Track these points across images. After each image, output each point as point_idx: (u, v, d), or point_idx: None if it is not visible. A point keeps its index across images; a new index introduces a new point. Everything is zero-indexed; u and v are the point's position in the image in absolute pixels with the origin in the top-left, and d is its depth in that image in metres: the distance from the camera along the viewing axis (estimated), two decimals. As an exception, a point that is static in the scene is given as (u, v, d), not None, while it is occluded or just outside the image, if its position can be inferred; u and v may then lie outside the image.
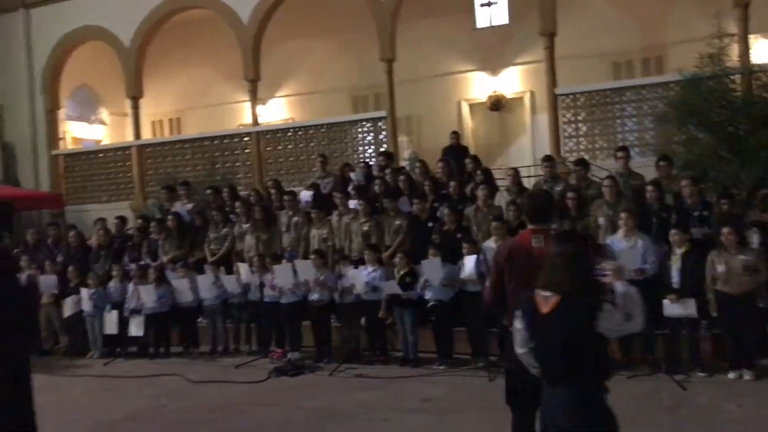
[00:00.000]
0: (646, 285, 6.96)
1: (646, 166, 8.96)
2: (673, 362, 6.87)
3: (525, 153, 13.99)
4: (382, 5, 12.26)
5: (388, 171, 10.02)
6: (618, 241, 7.19)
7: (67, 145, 15.76)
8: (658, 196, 7.60)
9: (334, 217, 9.22)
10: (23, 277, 9.48)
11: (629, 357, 7.16)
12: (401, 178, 9.55)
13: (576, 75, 12.55)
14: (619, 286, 3.17)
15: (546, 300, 3.19)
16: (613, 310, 3.07)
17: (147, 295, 8.97)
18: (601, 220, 7.82)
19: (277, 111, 16.53)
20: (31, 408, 5.45)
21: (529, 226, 4.11)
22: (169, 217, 10.05)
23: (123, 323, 9.14)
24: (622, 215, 7.19)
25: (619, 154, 8.50)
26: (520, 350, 3.39)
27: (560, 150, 11.05)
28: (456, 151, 11.39)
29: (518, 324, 3.36)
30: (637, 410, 5.80)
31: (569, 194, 8.09)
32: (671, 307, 6.79)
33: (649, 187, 7.66)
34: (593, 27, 13.48)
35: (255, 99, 13.52)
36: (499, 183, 9.62)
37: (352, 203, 9.22)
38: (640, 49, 13.47)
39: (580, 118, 11.05)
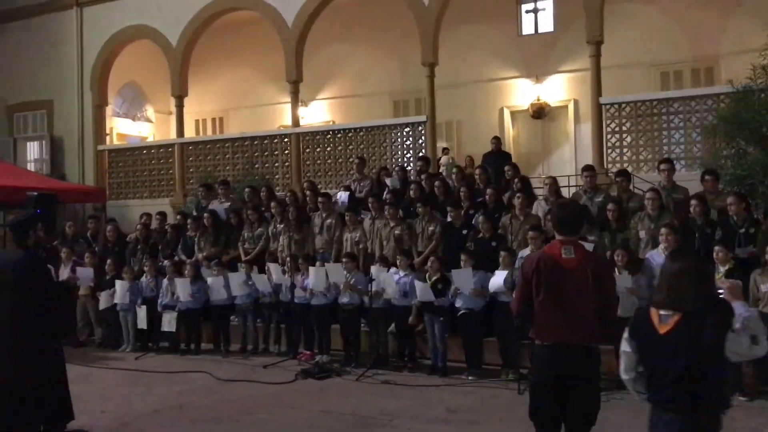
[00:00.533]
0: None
1: (691, 180, 8.68)
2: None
3: (567, 162, 13.77)
4: (426, 9, 12.20)
5: (424, 176, 9.94)
6: (658, 255, 6.94)
7: (113, 140, 16.14)
8: (703, 212, 7.31)
9: (367, 221, 9.17)
10: (66, 270, 9.70)
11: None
12: (436, 183, 9.44)
13: (622, 84, 12.31)
14: (739, 307, 2.93)
15: (664, 319, 3.00)
16: (740, 332, 2.85)
17: (182, 289, 9.05)
18: (642, 234, 7.59)
19: (319, 113, 16.63)
20: (67, 394, 5.64)
21: (558, 237, 3.97)
22: (206, 215, 10.14)
23: (155, 319, 9.24)
24: (663, 230, 6.94)
25: (663, 166, 8.23)
26: (625, 376, 3.21)
27: (603, 160, 10.80)
28: (496, 157, 11.23)
29: (626, 346, 3.16)
30: None
31: (610, 206, 7.88)
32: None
33: (693, 202, 7.37)
34: (642, 36, 13.21)
35: (296, 101, 13.60)
36: (538, 192, 9.45)
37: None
38: (690, 59, 13.14)
39: (624, 128, 10.77)
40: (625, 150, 10.73)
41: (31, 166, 15.92)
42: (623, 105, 10.80)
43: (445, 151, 13.75)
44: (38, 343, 5.46)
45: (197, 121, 17.97)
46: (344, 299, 8.28)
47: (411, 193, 9.44)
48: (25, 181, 11.73)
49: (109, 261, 9.85)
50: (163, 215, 11.06)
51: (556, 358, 3.79)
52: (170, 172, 14.45)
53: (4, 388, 5.41)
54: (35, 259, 5.59)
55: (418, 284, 7.81)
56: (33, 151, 16.35)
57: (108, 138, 15.83)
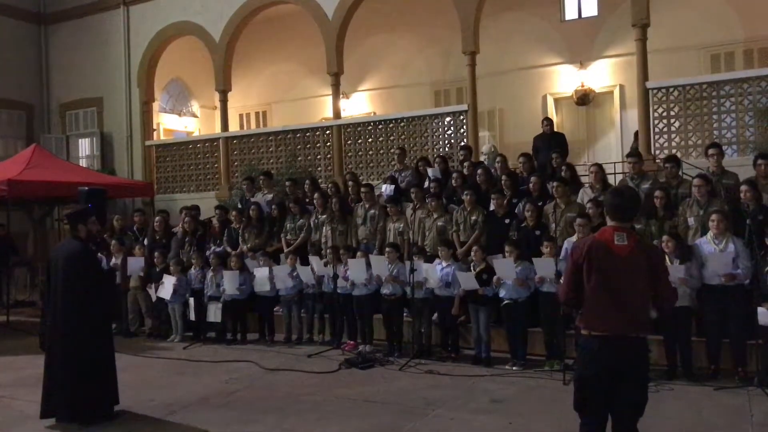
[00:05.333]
0: (739, 292, 6.57)
1: (743, 165, 8.40)
2: (766, 375, 6.38)
3: (612, 149, 13.53)
4: (466, -3, 12.07)
5: (466, 165, 9.86)
6: (707, 243, 6.75)
7: (160, 136, 16.49)
8: (754, 197, 7.05)
9: (409, 211, 9.15)
10: (114, 261, 9.99)
11: (717, 367, 6.74)
12: (479, 171, 9.37)
13: (670, 68, 11.99)
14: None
15: None
16: None
17: (229, 281, 9.20)
18: (691, 221, 7.39)
19: (360, 105, 16.67)
20: (114, 379, 5.91)
21: (611, 223, 3.85)
22: (251, 207, 10.29)
23: (202, 310, 9.42)
24: (713, 217, 6.73)
25: (711, 151, 7.96)
26: None
27: (651, 146, 10.53)
28: (549, 140, 10.83)
29: None
30: (724, 425, 5.44)
31: (657, 193, 7.68)
32: (766, 316, 6.31)
33: (744, 187, 7.13)
34: (690, 17, 12.84)
35: (338, 93, 13.64)
36: (584, 180, 9.27)
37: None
38: (742, 39, 12.71)
39: (672, 113, 10.47)
40: (673, 135, 10.45)
41: (82, 162, 16.40)
42: (671, 89, 10.51)
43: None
44: (89, 325, 5.79)
45: (241, 116, 18.24)
46: (386, 290, 8.30)
47: (453, 182, 9.39)
48: (78, 177, 12.08)
49: (157, 253, 10.07)
50: (197, 209, 11.28)
51: (607, 351, 3.67)
52: (215, 165, 14.70)
53: (59, 368, 5.71)
54: (85, 249, 5.94)
55: (460, 273, 7.76)
56: (84, 147, 16.85)
57: (155, 133, 16.20)
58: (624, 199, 3.90)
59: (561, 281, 4.01)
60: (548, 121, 11.29)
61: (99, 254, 6.62)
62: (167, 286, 9.50)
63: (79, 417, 5.74)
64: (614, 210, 3.86)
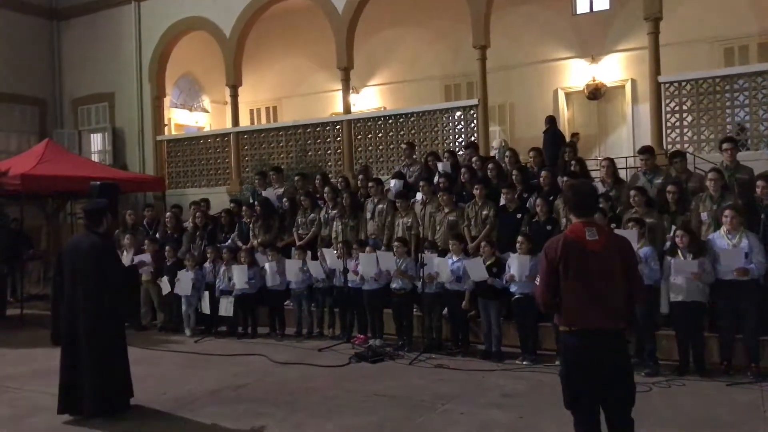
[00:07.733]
0: (752, 287, 6.52)
1: (757, 160, 8.33)
2: (779, 371, 6.35)
3: (624, 144, 13.46)
4: (478, -9, 12.01)
5: (475, 159, 9.83)
6: (720, 238, 6.69)
7: (171, 131, 16.55)
8: (769, 192, 6.99)
9: (417, 206, 9.13)
10: (129, 257, 10.03)
11: (730, 363, 6.69)
12: (490, 166, 9.33)
13: (682, 62, 11.92)
14: None
15: None
16: None
17: (239, 275, 9.23)
18: (704, 216, 7.32)
19: (370, 99, 16.66)
20: (127, 370, 5.92)
21: (578, 219, 3.86)
22: (256, 202, 10.31)
23: (214, 303, 9.46)
24: (727, 212, 6.66)
25: (725, 145, 7.88)
26: None
27: (663, 141, 10.45)
28: (547, 140, 10.84)
29: None
30: (735, 421, 5.41)
31: (670, 188, 7.63)
32: (779, 312, 6.27)
33: (759, 182, 7.05)
34: (703, 10, 12.74)
35: (347, 87, 13.64)
36: (595, 174, 9.23)
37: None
38: (756, 33, 12.58)
39: (685, 107, 10.39)
40: (685, 130, 10.37)
41: (94, 157, 16.50)
42: (683, 83, 10.42)
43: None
44: (109, 320, 5.81)
45: (251, 110, 18.29)
46: (395, 285, 8.30)
47: (461, 177, 9.37)
48: (90, 172, 12.14)
49: (168, 247, 10.11)
50: (206, 203, 11.31)
51: (590, 345, 3.72)
52: (226, 160, 14.75)
53: (86, 364, 5.74)
54: (110, 243, 5.95)
55: (469, 261, 7.74)
56: (96, 142, 16.96)
57: (166, 128, 16.27)
58: (581, 195, 3.94)
59: (537, 283, 4.01)
60: (548, 119, 11.16)
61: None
62: (184, 282, 9.54)
63: (105, 411, 5.75)
64: (575, 207, 3.91)
